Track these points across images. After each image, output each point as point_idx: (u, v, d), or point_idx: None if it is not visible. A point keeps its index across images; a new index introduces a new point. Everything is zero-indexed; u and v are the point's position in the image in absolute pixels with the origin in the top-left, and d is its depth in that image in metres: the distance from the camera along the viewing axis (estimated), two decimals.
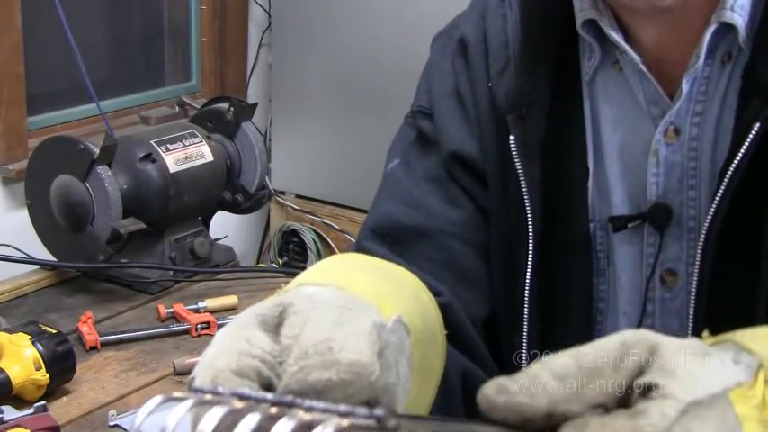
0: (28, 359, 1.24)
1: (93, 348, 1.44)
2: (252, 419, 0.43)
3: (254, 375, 0.51)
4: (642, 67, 0.76)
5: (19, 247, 1.72)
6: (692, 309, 0.76)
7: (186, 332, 1.51)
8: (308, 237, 2.57)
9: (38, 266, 1.68)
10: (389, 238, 0.84)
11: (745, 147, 0.70)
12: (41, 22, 2.19)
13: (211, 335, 1.48)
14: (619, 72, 0.79)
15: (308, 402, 0.44)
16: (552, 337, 0.82)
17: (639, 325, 0.80)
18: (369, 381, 0.50)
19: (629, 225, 0.79)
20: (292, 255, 2.63)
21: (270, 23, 2.68)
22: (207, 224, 1.83)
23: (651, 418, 0.42)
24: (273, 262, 2.66)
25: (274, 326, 0.54)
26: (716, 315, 0.74)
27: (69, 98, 2.35)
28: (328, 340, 0.51)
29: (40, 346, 1.25)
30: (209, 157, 1.74)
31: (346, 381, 0.50)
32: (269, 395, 0.45)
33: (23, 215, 1.71)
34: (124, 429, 1.22)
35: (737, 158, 0.71)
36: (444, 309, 0.73)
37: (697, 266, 0.75)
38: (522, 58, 0.81)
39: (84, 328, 1.45)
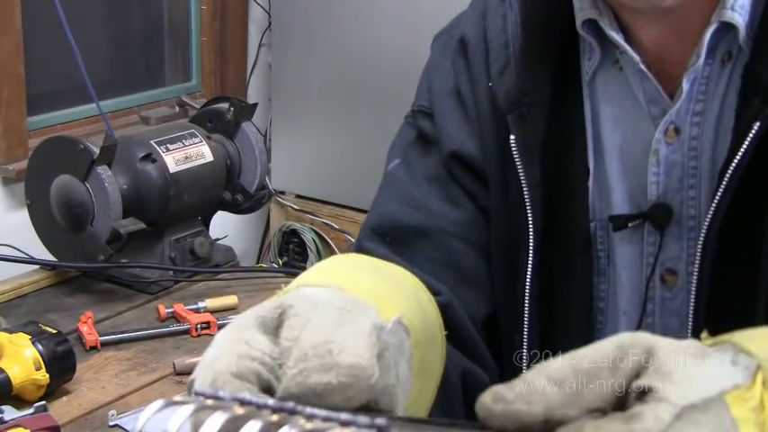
0: (28, 359, 1.24)
1: (93, 348, 1.44)
2: (253, 427, 0.43)
3: (253, 378, 0.51)
4: (642, 66, 0.76)
5: (19, 247, 1.72)
6: (691, 308, 0.76)
7: (186, 332, 1.50)
8: (308, 237, 2.57)
9: (38, 266, 1.68)
10: (390, 238, 0.84)
11: (745, 146, 0.70)
12: (41, 22, 2.19)
13: (211, 335, 1.48)
14: (619, 72, 0.79)
15: (309, 410, 0.44)
16: (553, 337, 0.82)
17: (640, 324, 0.80)
18: (368, 383, 0.50)
19: (630, 224, 0.79)
20: (292, 255, 2.63)
21: (270, 23, 2.67)
22: (207, 224, 1.83)
23: (645, 422, 0.42)
24: (273, 262, 2.65)
25: (274, 328, 0.54)
26: (716, 314, 0.74)
27: (69, 98, 2.35)
28: (328, 342, 0.51)
29: (40, 346, 1.25)
30: (209, 157, 1.74)
31: (346, 384, 0.49)
32: (270, 401, 0.45)
33: (23, 215, 1.71)
34: (124, 429, 1.22)
35: (737, 158, 0.71)
36: (444, 308, 0.73)
37: (697, 266, 0.75)
38: (522, 58, 0.81)
39: (84, 328, 1.45)
